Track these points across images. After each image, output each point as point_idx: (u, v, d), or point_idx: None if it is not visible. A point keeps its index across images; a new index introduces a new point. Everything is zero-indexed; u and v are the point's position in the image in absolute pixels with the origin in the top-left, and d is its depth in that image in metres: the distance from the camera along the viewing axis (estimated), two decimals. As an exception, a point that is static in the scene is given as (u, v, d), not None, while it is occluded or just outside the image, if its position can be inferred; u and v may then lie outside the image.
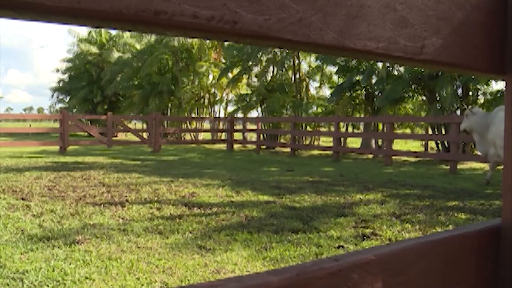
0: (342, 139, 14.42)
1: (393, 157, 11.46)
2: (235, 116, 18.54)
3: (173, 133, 19.81)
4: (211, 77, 22.17)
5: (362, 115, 16.09)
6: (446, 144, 11.76)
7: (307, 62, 18.38)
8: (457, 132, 9.60)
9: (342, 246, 3.55)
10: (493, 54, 0.87)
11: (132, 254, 3.27)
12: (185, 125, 19.38)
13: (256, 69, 18.61)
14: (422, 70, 11.89)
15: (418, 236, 0.87)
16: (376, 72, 14.06)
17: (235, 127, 16.56)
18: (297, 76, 17.34)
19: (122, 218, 4.48)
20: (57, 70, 29.67)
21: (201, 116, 21.80)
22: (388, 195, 6.13)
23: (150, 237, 3.75)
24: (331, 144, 13.01)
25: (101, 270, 2.93)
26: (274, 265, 3.13)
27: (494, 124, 6.80)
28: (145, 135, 16.85)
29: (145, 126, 18.60)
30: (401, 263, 0.76)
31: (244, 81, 19.83)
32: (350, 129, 18.45)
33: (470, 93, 12.24)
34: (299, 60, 17.37)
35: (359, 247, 3.55)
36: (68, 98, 30.36)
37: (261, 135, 15.86)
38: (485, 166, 10.48)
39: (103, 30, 26.40)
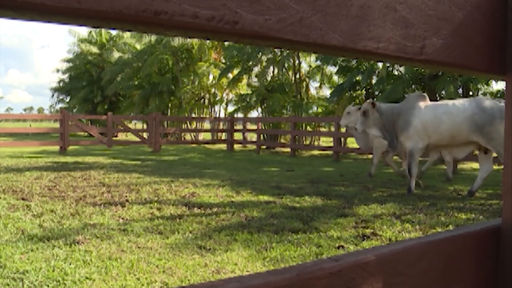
0: (342, 139, 14.40)
1: (393, 157, 11.44)
2: (235, 116, 18.54)
3: (173, 133, 19.82)
4: (211, 77, 22.18)
5: (362, 115, 16.04)
6: (446, 144, 11.73)
7: (307, 62, 18.38)
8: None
9: (342, 246, 3.55)
10: (493, 54, 0.87)
11: (132, 254, 3.27)
12: (185, 125, 19.38)
13: (256, 69, 18.61)
14: (423, 70, 11.89)
15: (419, 236, 0.87)
16: (376, 72, 14.06)
17: (235, 127, 16.55)
18: (297, 76, 17.34)
19: (122, 218, 4.48)
20: (58, 70, 29.68)
21: (201, 116, 21.81)
22: (388, 195, 6.12)
23: (150, 237, 3.75)
24: (331, 144, 13.01)
25: (101, 270, 2.93)
26: (274, 265, 3.13)
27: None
28: (145, 135, 16.86)
29: (145, 126, 18.60)
30: (402, 263, 0.76)
31: (244, 81, 19.83)
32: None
33: (471, 93, 12.24)
34: (299, 60, 17.37)
35: (359, 247, 3.55)
36: (68, 98, 30.36)
37: (261, 135, 15.86)
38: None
39: (103, 30, 26.42)
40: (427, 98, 6.41)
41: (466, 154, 6.40)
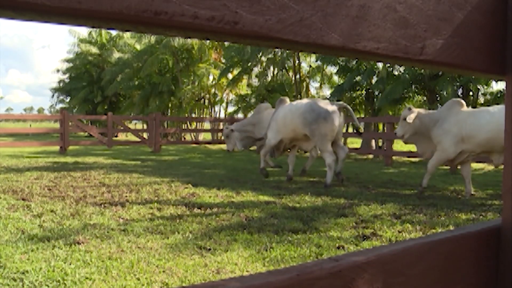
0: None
1: (393, 157, 11.46)
2: (236, 116, 18.54)
3: (173, 134, 19.82)
4: (211, 77, 22.20)
5: (362, 115, 16.09)
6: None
7: (308, 62, 18.40)
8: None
9: (342, 246, 3.55)
10: (493, 55, 0.87)
11: (132, 254, 3.27)
12: (186, 125, 19.36)
13: (256, 70, 18.62)
14: (423, 70, 11.89)
15: (419, 237, 0.87)
16: (377, 72, 14.07)
17: (235, 127, 16.53)
18: (298, 76, 17.35)
19: (122, 218, 4.48)
20: (58, 71, 29.72)
21: (201, 116, 21.81)
22: (388, 195, 6.12)
23: (150, 237, 3.75)
24: (331, 144, 12.98)
25: (101, 270, 2.93)
26: (275, 265, 3.13)
27: (262, 120, 8.43)
28: (145, 135, 16.84)
29: (145, 126, 18.60)
30: (402, 264, 0.76)
31: (245, 81, 19.85)
32: (350, 129, 18.44)
33: (471, 93, 12.25)
34: (299, 60, 17.38)
35: (359, 248, 3.55)
36: (68, 98, 30.40)
37: (261, 135, 15.84)
38: (484, 166, 10.49)
39: (103, 31, 26.42)
40: (287, 100, 7.72)
41: (312, 146, 7.54)
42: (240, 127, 8.65)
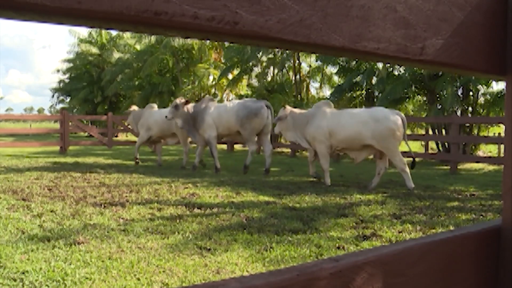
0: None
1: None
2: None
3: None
4: (211, 77, 22.19)
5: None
6: (447, 145, 11.77)
7: (308, 62, 18.39)
8: (458, 132, 9.64)
9: (342, 247, 3.55)
10: (493, 55, 0.87)
11: (132, 255, 3.27)
12: (185, 125, 19.28)
13: (256, 70, 18.61)
14: (422, 70, 11.88)
15: (419, 237, 0.86)
16: (377, 72, 14.05)
17: (235, 128, 16.54)
18: (298, 76, 17.34)
19: (123, 219, 4.48)
20: (58, 71, 29.70)
21: (201, 116, 21.77)
22: (388, 195, 6.12)
23: (150, 238, 3.75)
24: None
25: (101, 270, 2.93)
26: (275, 265, 3.13)
27: (143, 117, 10.00)
28: (145, 135, 16.78)
29: (145, 126, 18.55)
30: (402, 264, 0.76)
31: (245, 81, 19.83)
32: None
33: (471, 93, 12.25)
34: (299, 60, 17.36)
35: (359, 248, 3.55)
36: (68, 98, 30.39)
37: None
38: (484, 166, 10.49)
39: (103, 31, 26.42)
40: (215, 100, 8.81)
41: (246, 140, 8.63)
42: (138, 112, 10.38)
